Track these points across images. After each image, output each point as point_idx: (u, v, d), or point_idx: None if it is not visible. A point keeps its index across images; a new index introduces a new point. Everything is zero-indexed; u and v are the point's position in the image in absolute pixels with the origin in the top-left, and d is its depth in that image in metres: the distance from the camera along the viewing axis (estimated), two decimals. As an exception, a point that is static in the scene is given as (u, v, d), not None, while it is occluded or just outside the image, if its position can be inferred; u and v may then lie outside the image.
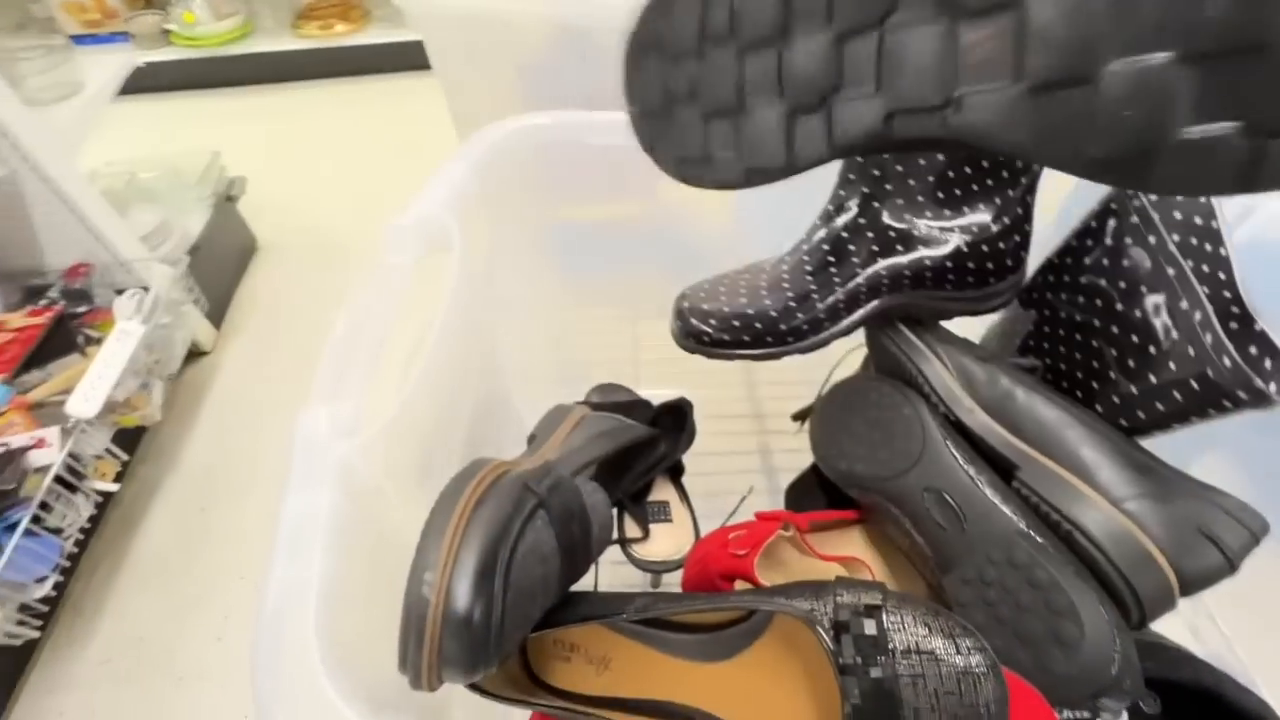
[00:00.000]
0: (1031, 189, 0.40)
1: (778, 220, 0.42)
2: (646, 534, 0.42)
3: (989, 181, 0.39)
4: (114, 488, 0.95)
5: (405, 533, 0.31)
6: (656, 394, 0.52)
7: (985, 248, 0.41)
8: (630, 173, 0.42)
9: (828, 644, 0.27)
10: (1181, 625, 0.47)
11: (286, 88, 1.93)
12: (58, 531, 0.81)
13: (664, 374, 0.48)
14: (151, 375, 1.06)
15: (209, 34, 1.78)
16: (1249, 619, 0.44)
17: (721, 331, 0.41)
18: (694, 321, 0.42)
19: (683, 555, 0.45)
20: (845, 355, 0.49)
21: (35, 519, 0.75)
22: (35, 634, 0.76)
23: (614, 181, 0.42)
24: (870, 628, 0.26)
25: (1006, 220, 0.40)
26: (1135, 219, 0.36)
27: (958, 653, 0.25)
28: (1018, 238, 0.41)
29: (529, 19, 0.49)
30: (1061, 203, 0.47)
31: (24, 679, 0.83)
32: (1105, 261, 0.38)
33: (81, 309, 1.06)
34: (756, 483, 0.58)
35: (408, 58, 1.87)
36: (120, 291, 1.03)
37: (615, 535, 0.42)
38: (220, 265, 1.39)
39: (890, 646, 0.25)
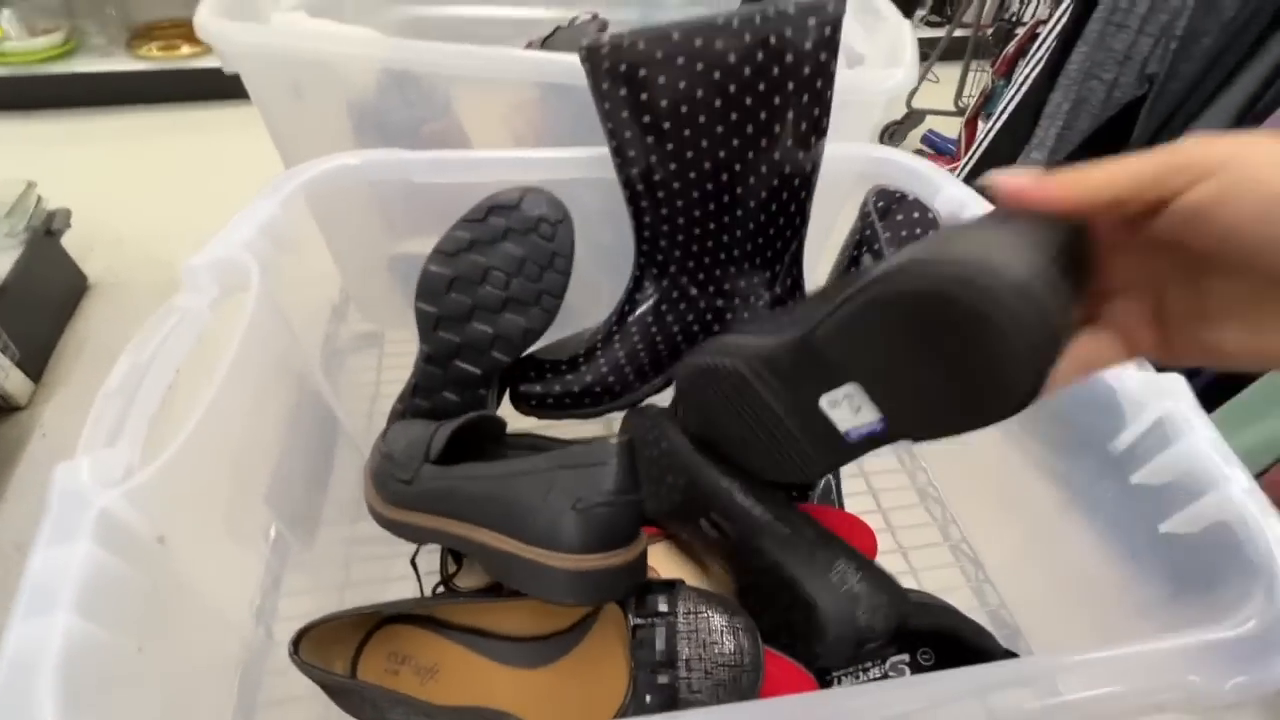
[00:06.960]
0: (798, 259, 0.45)
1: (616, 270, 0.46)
2: (459, 566, 0.43)
3: (758, 260, 0.44)
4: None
5: (193, 579, 0.29)
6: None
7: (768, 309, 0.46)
8: (459, 211, 0.43)
9: (625, 609, 0.33)
10: (970, 593, 0.54)
11: (121, 112, 1.76)
12: None
13: (503, 409, 0.51)
14: (-58, 436, 0.92)
15: (22, 50, 1.60)
16: (1018, 583, 0.52)
17: (547, 396, 0.47)
18: (523, 388, 0.48)
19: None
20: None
21: None
22: None
23: (444, 219, 0.43)
24: (662, 600, 0.33)
25: (780, 288, 0.45)
26: (879, 246, 0.43)
27: (722, 614, 0.32)
28: (795, 298, 0.47)
29: (353, 61, 0.50)
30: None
31: None
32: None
33: None
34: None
35: (264, 83, 1.78)
36: (-100, 343, 0.89)
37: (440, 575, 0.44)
38: (38, 308, 1.24)
39: (675, 610, 0.32)
